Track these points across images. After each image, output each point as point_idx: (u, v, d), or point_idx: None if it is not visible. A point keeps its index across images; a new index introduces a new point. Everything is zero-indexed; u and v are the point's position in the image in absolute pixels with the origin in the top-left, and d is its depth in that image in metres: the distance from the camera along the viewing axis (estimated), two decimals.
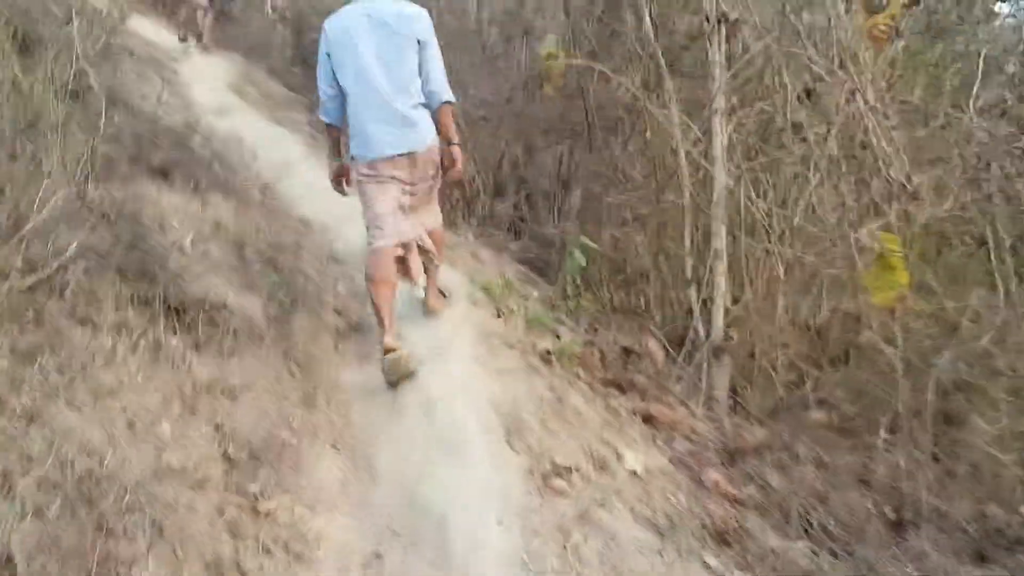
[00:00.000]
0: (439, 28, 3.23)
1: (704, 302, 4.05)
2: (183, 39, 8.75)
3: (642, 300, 4.86)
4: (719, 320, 3.96)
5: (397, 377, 3.04)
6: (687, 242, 4.14)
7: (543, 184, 6.81)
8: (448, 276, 3.92)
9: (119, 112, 5.37)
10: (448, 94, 3.24)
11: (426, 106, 3.19)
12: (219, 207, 4.04)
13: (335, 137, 3.37)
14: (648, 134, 5.08)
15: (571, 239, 4.97)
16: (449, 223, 6.18)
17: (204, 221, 3.76)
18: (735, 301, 4.07)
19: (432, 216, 3.50)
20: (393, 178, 3.17)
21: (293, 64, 9.09)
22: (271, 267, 3.67)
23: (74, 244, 2.62)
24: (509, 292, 3.95)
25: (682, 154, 4.12)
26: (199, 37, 8.90)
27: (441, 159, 3.29)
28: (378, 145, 3.12)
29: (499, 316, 3.71)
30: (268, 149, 6.05)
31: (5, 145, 3.37)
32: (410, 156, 3.16)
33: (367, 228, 3.28)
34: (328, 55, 3.16)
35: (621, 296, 4.84)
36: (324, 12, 4.09)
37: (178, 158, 4.43)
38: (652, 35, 4.35)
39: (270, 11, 9.21)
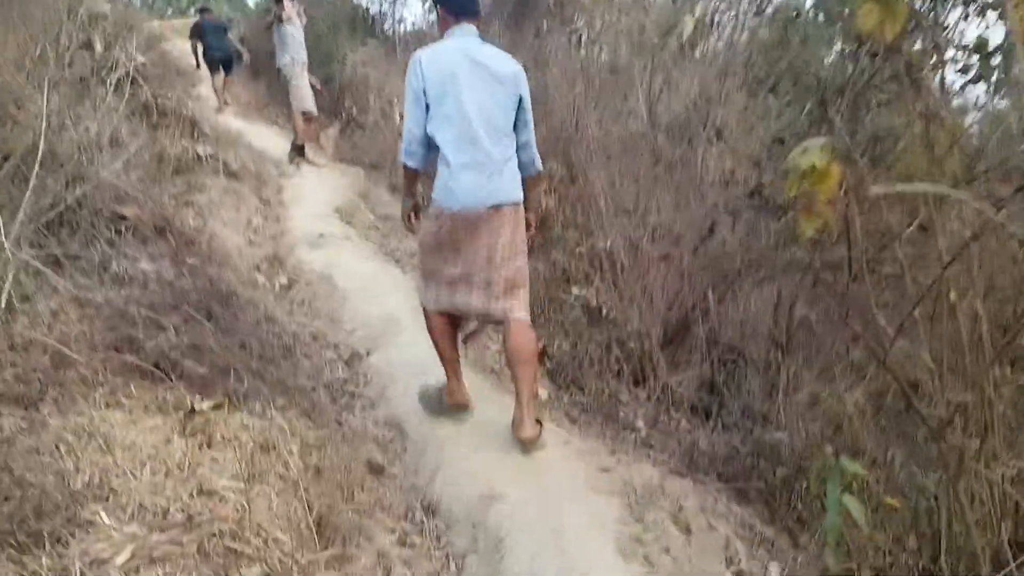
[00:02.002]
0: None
1: None
2: (296, 153, 7.55)
3: None
4: None
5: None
6: None
7: (748, 345, 4.76)
8: None
9: (182, 249, 3.91)
10: (540, 163, 3.07)
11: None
12: (242, 438, 2.26)
13: (414, 179, 3.00)
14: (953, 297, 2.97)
15: (822, 461, 2.89)
16: (608, 399, 4.30)
17: (189, 483, 1.97)
18: None
19: (514, 303, 2.92)
20: (476, 234, 2.81)
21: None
22: None
23: None
24: None
25: None
26: (302, 148, 7.67)
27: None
28: (466, 194, 2.76)
29: None
30: (367, 299, 4.38)
31: None
32: (498, 210, 2.81)
33: (423, 283, 2.99)
34: (424, 92, 2.77)
35: None
36: None
37: (201, 337, 2.75)
38: None
39: (398, 120, 7.93)
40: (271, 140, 8.71)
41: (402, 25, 13.03)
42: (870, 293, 3.21)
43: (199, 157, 6.00)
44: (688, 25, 4.63)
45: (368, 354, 3.79)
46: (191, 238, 4.38)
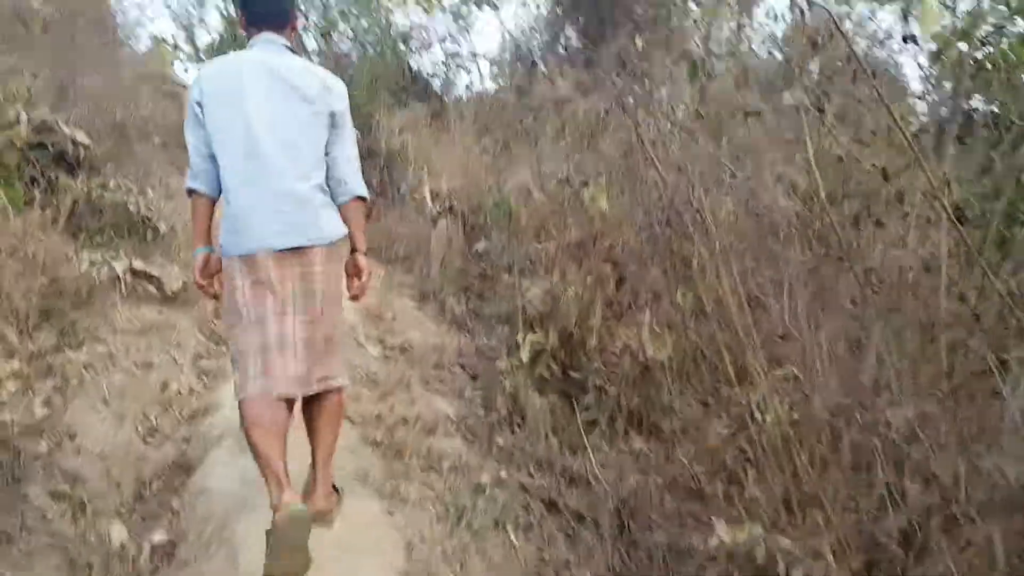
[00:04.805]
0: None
1: None
2: None
3: None
4: None
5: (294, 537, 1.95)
6: None
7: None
8: None
9: None
10: (363, 188, 2.43)
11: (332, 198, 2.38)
12: None
13: (207, 213, 2.34)
14: None
15: None
16: None
17: None
18: None
19: (334, 366, 2.37)
20: (281, 286, 2.22)
21: (462, 281, 5.48)
22: None
23: None
24: None
25: None
26: None
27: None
28: (261, 232, 2.21)
29: None
30: None
31: None
32: (305, 252, 2.25)
33: (234, 361, 2.28)
34: (200, 106, 2.25)
35: None
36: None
37: None
38: None
39: (429, 201, 5.82)
40: None
41: (460, 87, 11.25)
42: None
43: (119, 278, 3.97)
44: None
45: None
46: None
